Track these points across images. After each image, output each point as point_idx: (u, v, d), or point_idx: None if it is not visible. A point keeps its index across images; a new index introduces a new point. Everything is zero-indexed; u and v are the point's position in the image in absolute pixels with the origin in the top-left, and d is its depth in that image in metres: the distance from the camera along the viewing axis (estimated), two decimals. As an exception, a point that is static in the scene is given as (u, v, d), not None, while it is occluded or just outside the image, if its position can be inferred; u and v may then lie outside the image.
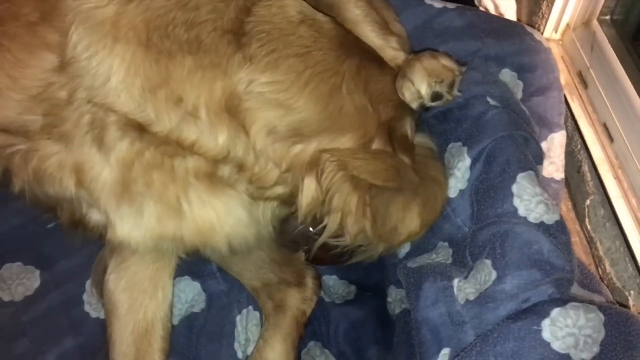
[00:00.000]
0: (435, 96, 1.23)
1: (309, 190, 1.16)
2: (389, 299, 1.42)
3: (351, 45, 1.21)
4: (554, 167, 1.43)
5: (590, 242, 1.48)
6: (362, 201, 1.18)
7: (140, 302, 1.40)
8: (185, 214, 1.17)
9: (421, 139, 1.36)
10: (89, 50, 1.05)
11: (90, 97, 1.08)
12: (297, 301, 1.47)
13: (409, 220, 1.26)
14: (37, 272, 1.59)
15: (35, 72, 1.09)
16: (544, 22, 1.71)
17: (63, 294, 1.57)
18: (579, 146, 1.54)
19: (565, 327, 0.97)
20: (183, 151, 1.12)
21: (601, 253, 1.42)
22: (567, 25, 1.68)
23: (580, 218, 1.54)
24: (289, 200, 1.22)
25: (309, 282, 1.51)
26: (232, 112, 1.09)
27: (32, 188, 1.19)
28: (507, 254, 1.09)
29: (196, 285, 1.52)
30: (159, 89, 1.07)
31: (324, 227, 1.22)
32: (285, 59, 1.10)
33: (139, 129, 1.09)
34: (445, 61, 1.25)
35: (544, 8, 1.69)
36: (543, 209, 1.14)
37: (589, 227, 1.49)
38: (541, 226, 1.12)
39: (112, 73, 1.05)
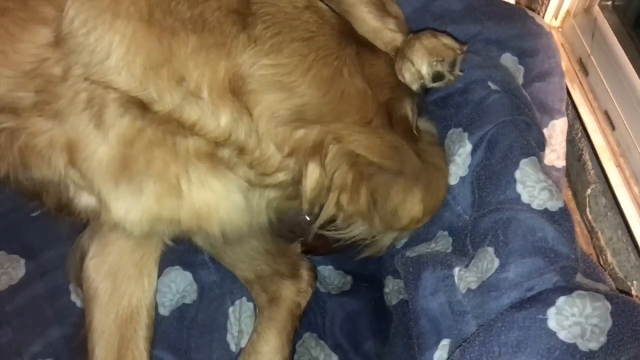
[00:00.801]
0: (437, 76, 1.20)
1: (313, 175, 1.13)
2: (386, 290, 1.39)
3: (349, 33, 1.19)
4: (555, 154, 1.40)
5: (591, 232, 1.46)
6: (358, 178, 1.15)
7: (125, 288, 1.35)
8: (184, 194, 1.13)
9: (422, 125, 1.32)
10: (87, 25, 1.01)
11: (88, 75, 1.03)
12: (292, 293, 1.43)
13: (410, 205, 1.22)
14: (22, 261, 1.54)
15: (28, 47, 1.04)
16: (543, 9, 1.68)
17: (48, 284, 1.51)
18: (579, 134, 1.52)
19: (572, 316, 0.93)
20: (184, 130, 1.08)
21: (602, 243, 1.40)
22: (567, 11, 1.66)
23: (580, 208, 1.51)
24: (291, 189, 1.19)
25: (304, 273, 1.47)
26: (236, 93, 1.06)
27: (17, 172, 1.14)
28: (510, 241, 1.06)
29: (187, 276, 1.47)
30: (161, 68, 1.03)
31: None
32: (289, 42, 1.08)
33: (141, 106, 1.06)
34: (446, 40, 1.22)
35: (544, -7, 1.67)
36: (547, 195, 1.11)
37: (589, 216, 1.47)
38: (545, 213, 1.09)
39: (112, 50, 1.01)
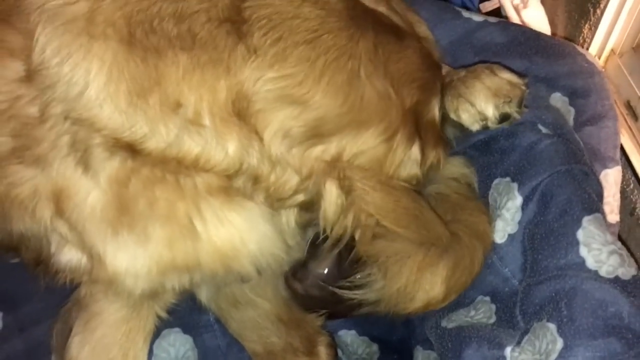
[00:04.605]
0: (504, 117, 1.08)
1: (331, 196, 0.99)
2: (415, 363, 1.21)
3: (362, 18, 1.03)
4: (608, 207, 1.23)
5: (649, 298, 1.28)
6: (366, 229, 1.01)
7: None
8: (200, 235, 0.98)
9: (456, 168, 1.17)
10: (60, 53, 0.87)
11: (67, 112, 0.90)
12: None
13: (429, 285, 1.05)
14: (-1, 314, 1.38)
15: None
16: (585, 48, 1.54)
17: (28, 340, 1.34)
18: (631, 185, 1.38)
19: (665, 419, 0.75)
20: (186, 169, 0.94)
21: (664, 312, 1.22)
22: (612, 50, 1.53)
23: (635, 269, 1.34)
24: (311, 206, 1.05)
25: (322, 351, 1.27)
26: (242, 116, 0.92)
27: None
28: (577, 317, 0.88)
29: (188, 339, 1.29)
30: (150, 93, 0.88)
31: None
32: (293, 47, 0.93)
33: (130, 149, 0.92)
34: (508, 75, 1.09)
35: (585, 32, 1.53)
36: (617, 260, 0.94)
37: (646, 280, 1.29)
38: (617, 282, 0.92)
39: (91, 79, 0.87)
